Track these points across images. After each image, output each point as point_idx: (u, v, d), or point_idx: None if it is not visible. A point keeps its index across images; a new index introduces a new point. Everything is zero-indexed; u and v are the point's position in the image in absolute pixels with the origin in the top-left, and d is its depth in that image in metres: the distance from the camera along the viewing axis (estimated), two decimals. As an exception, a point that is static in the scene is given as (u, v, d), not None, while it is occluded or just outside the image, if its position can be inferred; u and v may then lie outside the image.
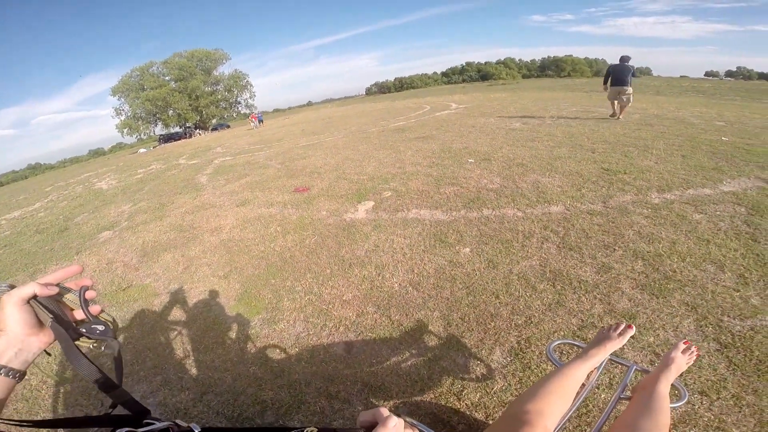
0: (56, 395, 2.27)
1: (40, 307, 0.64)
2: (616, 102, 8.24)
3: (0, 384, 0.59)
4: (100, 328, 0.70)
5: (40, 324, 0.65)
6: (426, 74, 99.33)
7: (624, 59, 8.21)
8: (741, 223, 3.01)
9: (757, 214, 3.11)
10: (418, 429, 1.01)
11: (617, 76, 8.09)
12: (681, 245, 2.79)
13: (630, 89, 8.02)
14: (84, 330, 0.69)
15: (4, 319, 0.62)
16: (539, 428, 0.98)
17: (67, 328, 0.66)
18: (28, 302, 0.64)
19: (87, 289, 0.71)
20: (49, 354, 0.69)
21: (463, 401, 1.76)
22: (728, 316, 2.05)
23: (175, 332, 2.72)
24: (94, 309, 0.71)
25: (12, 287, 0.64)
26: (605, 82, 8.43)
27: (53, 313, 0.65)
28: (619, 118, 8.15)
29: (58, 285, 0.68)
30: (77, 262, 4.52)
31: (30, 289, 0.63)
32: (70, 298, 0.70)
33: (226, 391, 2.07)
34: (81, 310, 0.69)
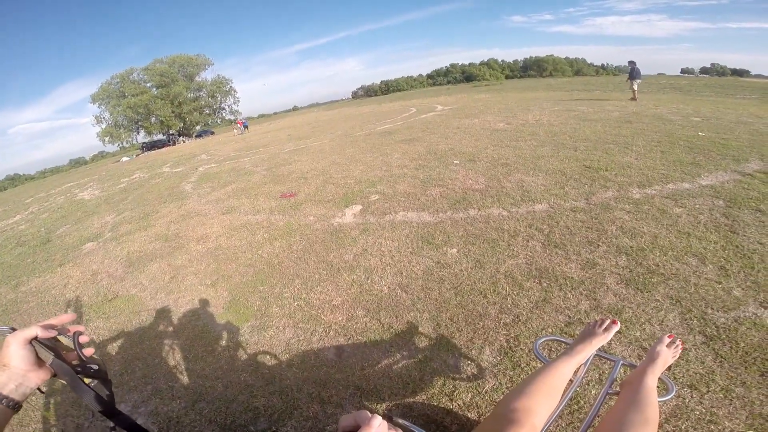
0: (46, 406, 2.22)
1: (41, 347, 0.72)
2: (632, 90, 12.20)
3: (0, 412, 0.65)
4: (94, 367, 0.78)
5: (40, 362, 0.72)
6: (411, 76, 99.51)
7: (631, 63, 12.58)
8: (720, 215, 3.09)
9: (734, 206, 3.20)
10: (411, 430, 1.02)
11: (630, 74, 12.36)
12: (663, 239, 2.85)
13: (633, 82, 12.22)
14: (80, 369, 0.76)
15: (8, 355, 0.69)
16: (527, 426, 0.99)
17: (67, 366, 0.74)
18: (30, 342, 0.71)
19: (80, 333, 0.79)
20: (42, 392, 0.77)
21: (455, 401, 1.77)
22: (712, 309, 2.09)
23: (164, 342, 2.69)
24: (87, 351, 0.78)
25: (13, 329, 0.72)
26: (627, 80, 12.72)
27: (55, 351, 0.73)
28: (635, 98, 11.82)
29: (55, 328, 0.77)
30: (60, 274, 4.43)
31: (33, 331, 0.71)
32: (64, 341, 0.77)
33: (218, 398, 2.06)
34: (75, 352, 0.76)
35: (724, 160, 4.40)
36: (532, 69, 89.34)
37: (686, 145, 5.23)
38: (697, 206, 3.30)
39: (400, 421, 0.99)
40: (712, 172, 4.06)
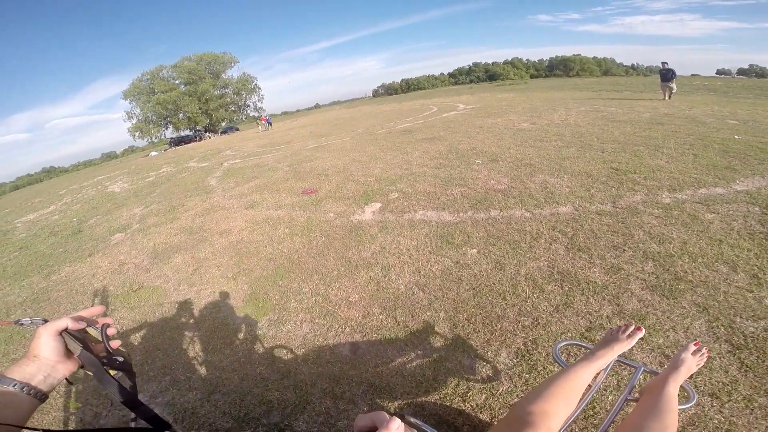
0: (67, 394, 2.30)
1: (71, 338, 0.73)
2: (666, 90, 12.22)
3: (27, 403, 0.66)
4: (120, 359, 0.79)
5: (69, 353, 0.74)
6: (433, 75, 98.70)
7: (664, 64, 12.51)
8: (755, 222, 2.96)
9: (771, 213, 3.05)
10: (423, 430, 1.01)
11: (664, 75, 12.38)
12: (692, 245, 2.75)
13: (673, 84, 12.17)
14: (106, 360, 0.77)
15: (39, 346, 0.71)
16: (543, 429, 0.97)
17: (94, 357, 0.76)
18: (60, 334, 0.73)
19: (108, 326, 0.80)
20: (71, 383, 0.80)
21: (468, 402, 1.75)
22: (741, 317, 2.01)
23: (185, 333, 2.75)
24: (114, 343, 0.80)
25: (45, 321, 0.74)
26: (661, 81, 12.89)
27: (83, 342, 0.75)
28: (666, 99, 12.04)
29: (85, 320, 0.78)
30: (90, 263, 4.59)
31: (63, 322, 0.73)
32: (93, 333, 0.79)
33: (233, 391, 2.09)
34: (102, 344, 0.78)
35: (762, 164, 4.20)
36: (558, 68, 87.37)
37: (721, 148, 5.01)
38: (731, 212, 3.16)
39: (413, 420, 0.98)
40: (748, 177, 3.88)
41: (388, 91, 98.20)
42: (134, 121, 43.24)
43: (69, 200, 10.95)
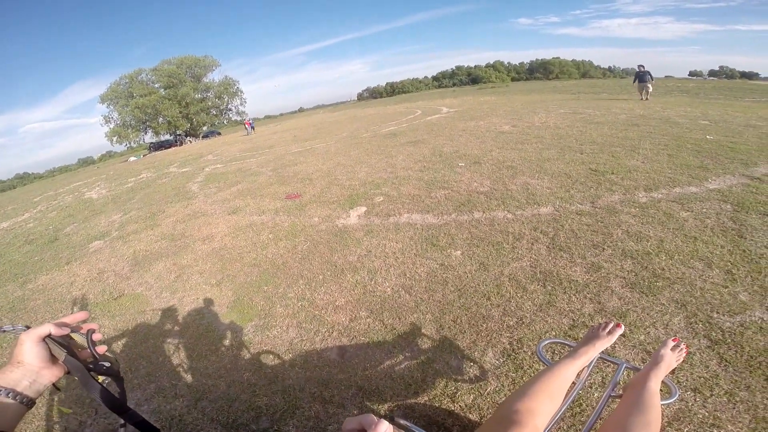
0: (50, 402, 2.24)
1: (55, 344, 0.73)
2: (643, 91, 13.19)
3: (13, 410, 0.66)
4: (107, 364, 0.79)
5: (54, 359, 0.73)
6: (417, 78, 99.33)
7: (641, 67, 13.41)
8: (727, 219, 3.06)
9: (742, 210, 3.17)
10: (413, 431, 1.02)
11: (641, 77, 13.26)
12: (669, 243, 2.83)
13: (650, 85, 13.13)
14: (92, 366, 0.77)
15: (22, 353, 0.70)
16: (529, 427, 0.99)
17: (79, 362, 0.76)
18: (44, 340, 0.72)
19: (93, 331, 0.81)
20: (58, 389, 0.80)
21: (457, 403, 1.77)
22: (717, 313, 2.07)
23: (168, 340, 2.71)
24: (100, 349, 0.80)
25: (28, 327, 0.74)
26: (634, 82, 13.90)
27: (68, 348, 0.74)
28: (645, 99, 12.87)
29: (69, 326, 0.78)
30: (67, 272, 4.47)
31: (46, 328, 0.72)
32: (78, 339, 0.78)
33: (221, 397, 2.07)
34: (88, 350, 0.78)
35: (733, 163, 4.36)
36: (539, 71, 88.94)
37: (694, 148, 5.18)
38: (705, 210, 3.27)
39: (402, 421, 0.99)
40: (720, 175, 4.02)
41: (373, 94, 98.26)
42: (112, 126, 42.23)
43: (44, 207, 10.63)
